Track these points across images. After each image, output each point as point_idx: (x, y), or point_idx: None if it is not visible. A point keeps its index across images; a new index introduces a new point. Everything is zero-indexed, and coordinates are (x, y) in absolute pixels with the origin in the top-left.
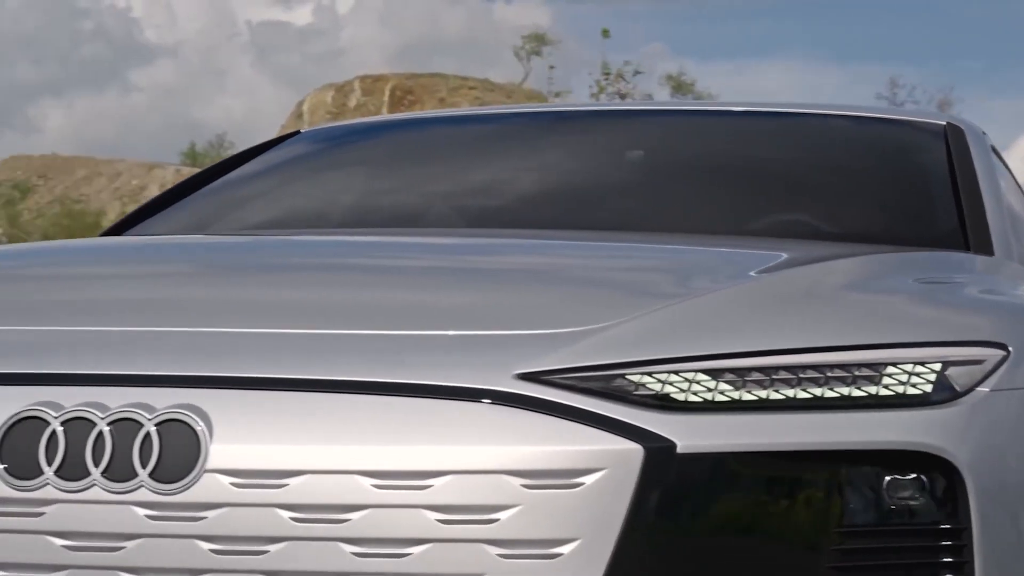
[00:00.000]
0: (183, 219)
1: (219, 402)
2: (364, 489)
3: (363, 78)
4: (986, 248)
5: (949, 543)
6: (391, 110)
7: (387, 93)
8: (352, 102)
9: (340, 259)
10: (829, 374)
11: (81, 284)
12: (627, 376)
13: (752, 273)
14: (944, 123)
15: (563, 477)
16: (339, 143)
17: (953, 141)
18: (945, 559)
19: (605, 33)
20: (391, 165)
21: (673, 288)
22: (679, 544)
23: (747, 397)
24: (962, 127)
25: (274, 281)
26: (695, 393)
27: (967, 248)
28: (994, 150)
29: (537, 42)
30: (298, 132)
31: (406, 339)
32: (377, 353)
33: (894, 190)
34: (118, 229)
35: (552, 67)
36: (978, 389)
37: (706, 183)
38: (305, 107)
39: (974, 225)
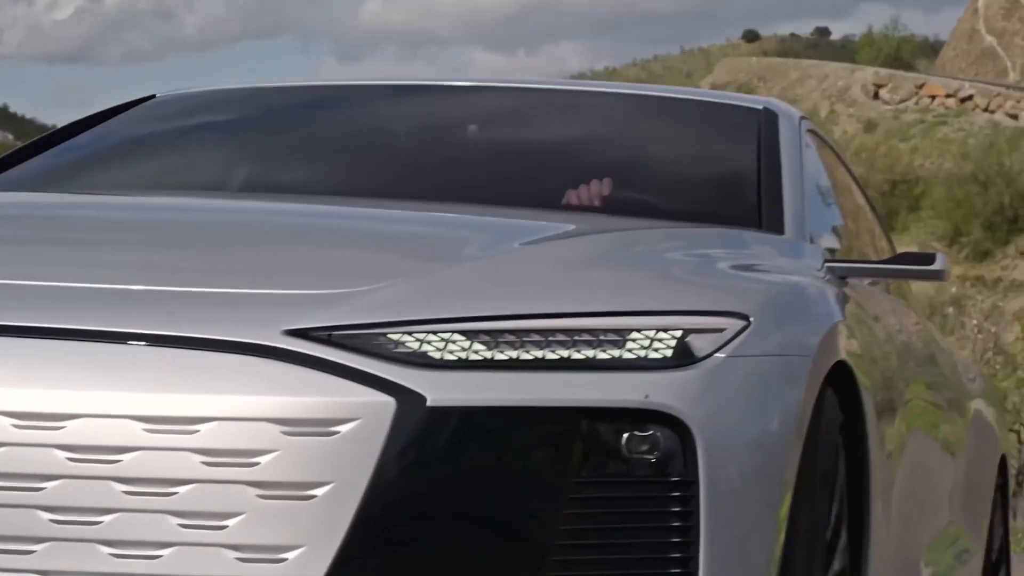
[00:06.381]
0: (22, 175)
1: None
2: (135, 432)
3: None
4: (777, 227)
5: (678, 493)
6: None
7: None
8: None
9: (133, 219)
10: (576, 338)
11: None
12: (388, 335)
13: (517, 244)
14: (761, 107)
15: (320, 425)
16: (189, 111)
17: (765, 124)
18: (674, 508)
19: None
20: (231, 133)
21: (443, 255)
22: (428, 488)
23: (499, 357)
24: (777, 111)
25: (63, 238)
26: (450, 352)
27: (760, 227)
28: (815, 133)
29: None
30: (153, 96)
31: (185, 295)
32: (154, 306)
33: (703, 169)
34: None
35: None
36: (715, 355)
37: (524, 159)
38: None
39: (769, 205)
